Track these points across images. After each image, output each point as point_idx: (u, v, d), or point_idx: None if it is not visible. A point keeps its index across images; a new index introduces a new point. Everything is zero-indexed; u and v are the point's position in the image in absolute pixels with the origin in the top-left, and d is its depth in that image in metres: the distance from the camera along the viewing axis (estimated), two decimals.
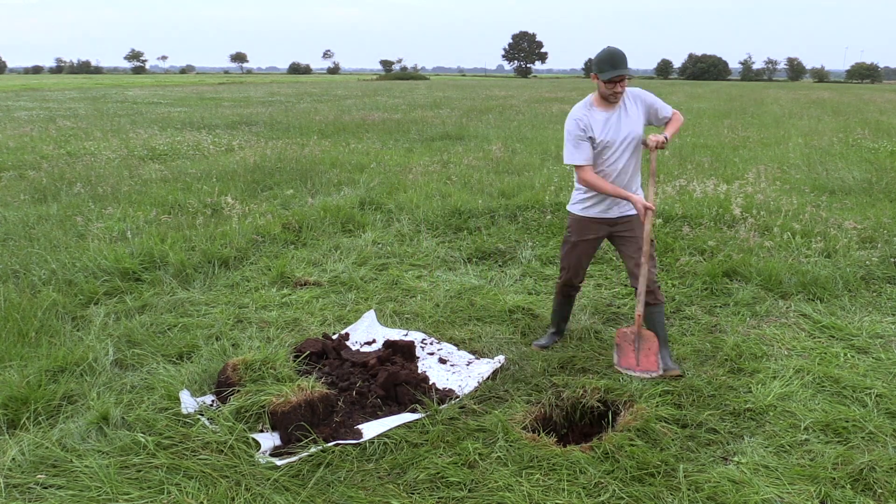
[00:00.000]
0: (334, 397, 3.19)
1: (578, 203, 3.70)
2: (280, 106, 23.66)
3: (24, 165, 9.87)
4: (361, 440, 2.95)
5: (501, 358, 3.76)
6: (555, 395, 3.38)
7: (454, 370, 3.70)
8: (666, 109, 3.61)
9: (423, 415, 3.16)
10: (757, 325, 4.30)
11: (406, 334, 4.15)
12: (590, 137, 3.49)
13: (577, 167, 3.54)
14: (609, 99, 3.47)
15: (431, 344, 4.03)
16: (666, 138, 3.51)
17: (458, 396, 3.38)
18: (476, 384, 3.50)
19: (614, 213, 3.65)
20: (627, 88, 3.50)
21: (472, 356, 3.86)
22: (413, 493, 2.63)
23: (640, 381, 3.48)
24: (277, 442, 2.92)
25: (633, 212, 3.60)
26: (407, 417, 3.14)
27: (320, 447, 2.86)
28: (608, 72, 3.35)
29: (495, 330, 4.21)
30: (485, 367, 3.67)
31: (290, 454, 2.84)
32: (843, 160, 10.64)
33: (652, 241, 3.55)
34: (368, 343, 4.06)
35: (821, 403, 3.27)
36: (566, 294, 3.99)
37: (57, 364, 3.57)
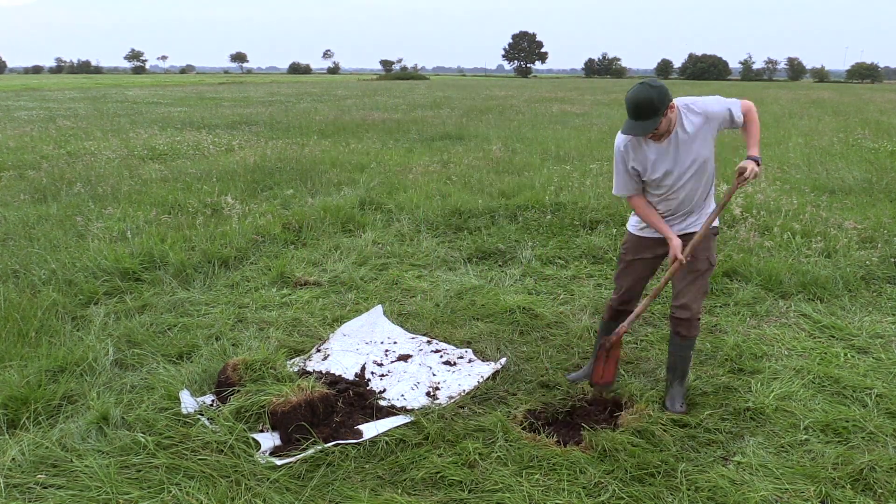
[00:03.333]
0: (334, 397, 3.19)
1: (635, 223, 3.34)
2: (280, 106, 23.65)
3: (24, 165, 9.87)
4: (361, 440, 2.95)
5: (503, 360, 3.76)
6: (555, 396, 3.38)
7: (454, 369, 3.71)
8: (736, 112, 3.01)
9: (422, 416, 3.16)
10: (757, 325, 4.30)
11: (413, 338, 4.15)
12: (635, 170, 3.10)
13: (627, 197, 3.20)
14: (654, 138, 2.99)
15: (430, 343, 4.04)
16: (757, 166, 2.97)
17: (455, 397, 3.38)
18: (476, 383, 3.50)
19: (672, 210, 3.20)
20: (680, 105, 2.97)
21: (472, 356, 3.87)
22: (413, 493, 2.63)
23: (641, 381, 3.48)
24: (277, 442, 2.92)
25: (694, 229, 3.17)
26: (406, 419, 3.14)
27: (320, 447, 2.86)
28: (627, 127, 2.89)
29: (495, 330, 4.21)
30: (486, 368, 3.68)
31: (290, 454, 2.84)
32: (843, 160, 10.64)
33: (706, 264, 3.14)
34: (367, 343, 4.07)
35: (821, 403, 3.27)
36: (614, 317, 3.49)
37: (57, 364, 3.57)
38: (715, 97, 3.05)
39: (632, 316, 3.27)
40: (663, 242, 3.21)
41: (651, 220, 3.15)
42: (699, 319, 3.24)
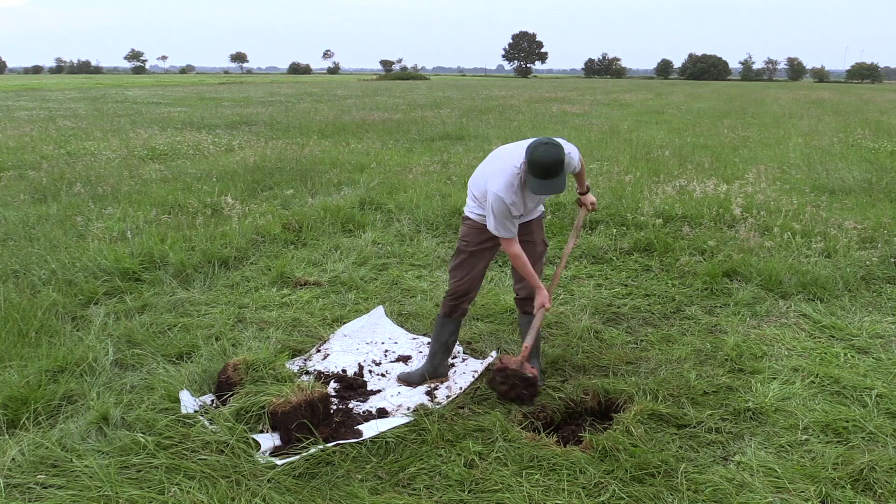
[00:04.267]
0: (335, 397, 3.19)
1: (474, 208, 3.37)
2: (280, 106, 23.65)
3: (24, 165, 9.87)
4: (361, 439, 2.95)
5: (494, 354, 3.80)
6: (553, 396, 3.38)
7: (452, 370, 3.71)
8: (574, 161, 3.27)
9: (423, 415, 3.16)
10: (757, 325, 4.30)
11: (415, 338, 4.15)
12: (520, 215, 3.27)
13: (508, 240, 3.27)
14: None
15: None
16: (593, 203, 3.63)
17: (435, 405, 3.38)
18: (471, 379, 3.55)
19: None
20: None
21: (465, 354, 3.90)
22: (413, 493, 2.63)
23: (642, 380, 3.48)
24: (277, 442, 2.92)
25: (533, 216, 3.44)
26: (406, 419, 3.14)
27: (320, 447, 2.86)
28: (540, 187, 2.99)
29: (495, 330, 4.21)
30: (479, 365, 3.71)
31: (290, 454, 2.84)
32: (843, 160, 10.64)
33: (542, 246, 3.58)
34: (368, 343, 4.07)
35: (821, 403, 3.27)
36: (453, 310, 3.53)
37: (57, 364, 3.57)
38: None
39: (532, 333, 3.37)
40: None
41: (528, 269, 3.31)
42: None
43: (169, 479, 2.64)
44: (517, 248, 3.24)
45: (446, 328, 3.56)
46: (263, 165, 9.74)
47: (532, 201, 3.30)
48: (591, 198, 3.64)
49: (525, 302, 3.55)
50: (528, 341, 3.33)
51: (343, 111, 21.01)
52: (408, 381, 3.57)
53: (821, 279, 4.90)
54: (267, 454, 2.84)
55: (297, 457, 2.81)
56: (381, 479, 2.72)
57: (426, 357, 3.67)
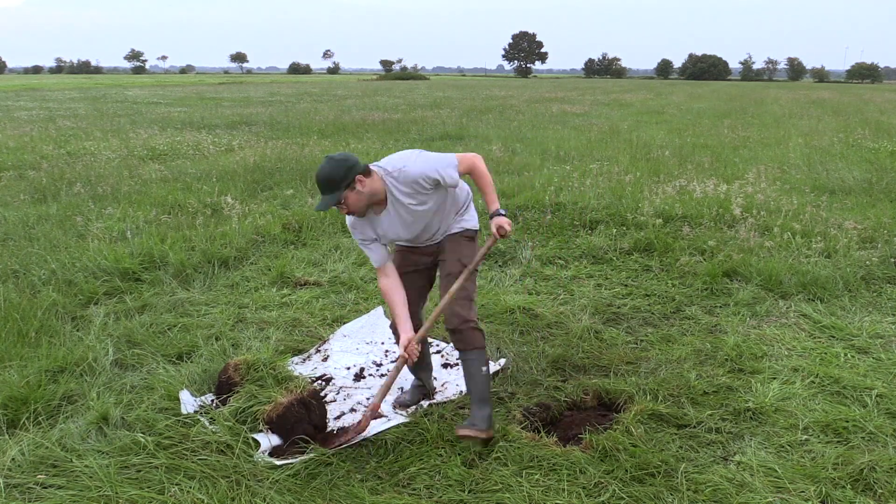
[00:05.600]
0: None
1: None
2: (280, 106, 23.65)
3: (24, 165, 9.87)
4: (360, 438, 2.94)
5: (502, 361, 3.75)
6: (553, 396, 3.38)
7: (453, 371, 3.71)
8: (448, 175, 2.82)
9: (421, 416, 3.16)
10: (757, 325, 4.30)
11: None
12: (373, 239, 2.96)
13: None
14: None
15: (431, 345, 4.04)
16: (508, 228, 2.92)
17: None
18: None
19: (422, 242, 3.07)
20: (384, 176, 2.81)
21: None
22: (413, 493, 2.63)
23: (642, 380, 3.48)
24: (277, 442, 2.91)
25: (449, 233, 3.06)
26: (405, 419, 3.14)
27: (321, 451, 2.85)
28: (318, 201, 2.78)
29: (495, 330, 4.20)
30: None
31: (290, 454, 2.83)
32: (843, 160, 10.64)
33: (458, 266, 2.98)
34: (368, 343, 4.07)
35: (821, 403, 3.27)
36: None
37: (57, 364, 3.57)
38: (421, 160, 2.84)
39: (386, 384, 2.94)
40: (422, 252, 3.10)
41: (394, 309, 2.95)
42: (475, 328, 2.93)
43: (169, 479, 2.64)
44: (381, 282, 2.99)
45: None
46: (263, 165, 9.75)
47: (391, 229, 2.92)
48: (499, 220, 2.95)
49: (451, 335, 2.99)
50: (377, 399, 2.94)
51: (343, 111, 21.01)
52: (404, 405, 3.33)
53: (821, 279, 4.90)
54: (266, 454, 2.83)
55: (297, 459, 2.80)
56: (381, 479, 2.72)
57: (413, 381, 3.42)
